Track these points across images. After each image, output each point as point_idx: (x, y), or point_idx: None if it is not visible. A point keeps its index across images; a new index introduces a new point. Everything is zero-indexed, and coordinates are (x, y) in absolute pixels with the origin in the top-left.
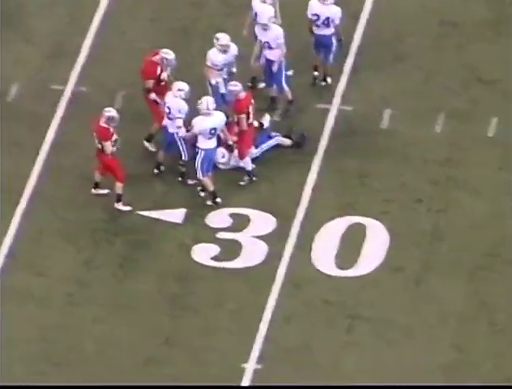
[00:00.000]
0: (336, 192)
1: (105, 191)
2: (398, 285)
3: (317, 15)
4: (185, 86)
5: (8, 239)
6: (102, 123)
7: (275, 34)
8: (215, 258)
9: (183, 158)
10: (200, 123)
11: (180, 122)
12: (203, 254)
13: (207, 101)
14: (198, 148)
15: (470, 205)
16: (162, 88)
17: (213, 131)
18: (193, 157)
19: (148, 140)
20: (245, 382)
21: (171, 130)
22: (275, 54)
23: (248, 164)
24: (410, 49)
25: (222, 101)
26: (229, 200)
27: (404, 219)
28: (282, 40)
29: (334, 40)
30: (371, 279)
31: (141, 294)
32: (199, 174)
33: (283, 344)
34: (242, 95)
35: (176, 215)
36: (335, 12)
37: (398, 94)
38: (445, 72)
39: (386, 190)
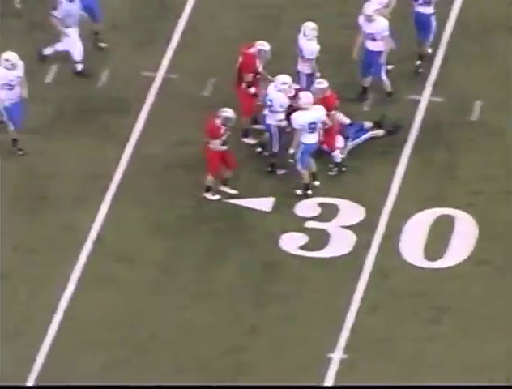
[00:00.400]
0: (425, 183)
1: (232, 191)
2: (485, 277)
3: None
4: (289, 79)
5: (96, 224)
6: (216, 122)
7: (380, 26)
8: (302, 248)
9: (274, 149)
10: (299, 118)
11: (282, 116)
12: (291, 243)
13: (305, 95)
14: (299, 142)
15: None
16: (256, 81)
17: (313, 125)
18: (283, 148)
19: (245, 135)
20: (331, 372)
21: (269, 121)
22: (377, 46)
23: (338, 157)
24: (500, 41)
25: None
26: (318, 190)
27: (492, 211)
28: (387, 33)
29: (433, 20)
30: (458, 270)
31: (226, 282)
32: (298, 166)
33: (369, 334)
34: (329, 92)
35: (264, 203)
36: None
37: (488, 86)
38: None
39: (474, 182)
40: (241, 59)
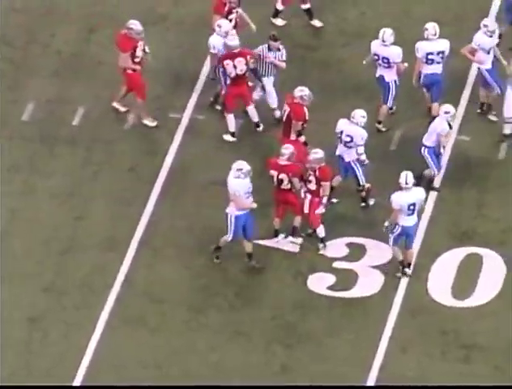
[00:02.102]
0: (453, 222)
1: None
2: None
3: None
4: (365, 113)
5: (124, 266)
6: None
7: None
8: (331, 288)
9: (361, 183)
10: (399, 199)
11: (362, 149)
12: (319, 283)
13: (406, 176)
14: (397, 224)
15: None
16: (304, 129)
17: (412, 207)
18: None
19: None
20: None
21: (348, 159)
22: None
23: (322, 232)
24: None
25: None
26: (346, 229)
27: None
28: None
29: None
30: (487, 309)
31: (256, 322)
32: (390, 242)
33: (399, 373)
34: (324, 163)
35: (291, 244)
36: None
37: None
38: None
39: (503, 220)
40: (288, 110)
